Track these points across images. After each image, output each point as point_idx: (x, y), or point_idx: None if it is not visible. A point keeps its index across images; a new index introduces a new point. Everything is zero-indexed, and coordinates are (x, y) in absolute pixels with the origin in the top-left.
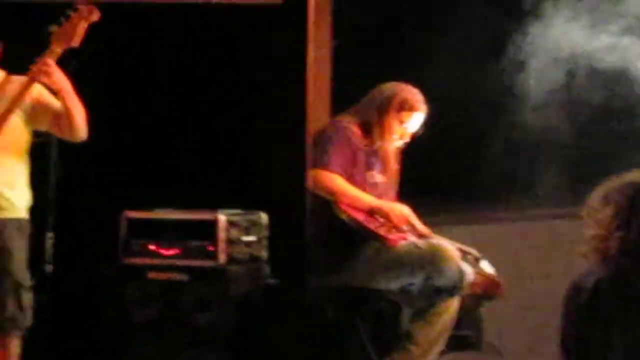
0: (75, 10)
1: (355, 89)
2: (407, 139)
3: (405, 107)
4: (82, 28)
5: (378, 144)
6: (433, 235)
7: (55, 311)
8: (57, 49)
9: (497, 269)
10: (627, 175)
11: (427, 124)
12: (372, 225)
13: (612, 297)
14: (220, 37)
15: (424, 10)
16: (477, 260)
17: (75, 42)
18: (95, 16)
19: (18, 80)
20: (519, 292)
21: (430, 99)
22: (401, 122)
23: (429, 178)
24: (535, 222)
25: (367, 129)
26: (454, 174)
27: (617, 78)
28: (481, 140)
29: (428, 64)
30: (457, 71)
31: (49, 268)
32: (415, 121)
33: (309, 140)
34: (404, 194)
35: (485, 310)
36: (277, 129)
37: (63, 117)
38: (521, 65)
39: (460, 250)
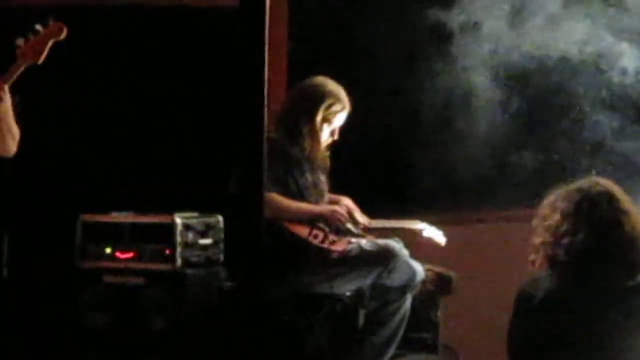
0: (45, 26)
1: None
2: (336, 137)
3: (334, 109)
4: (48, 45)
5: (309, 147)
6: (371, 224)
7: (10, 316)
8: (21, 64)
9: (452, 269)
10: (575, 183)
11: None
12: (316, 239)
13: (563, 305)
14: (175, 40)
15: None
16: (423, 230)
17: (39, 60)
18: (64, 34)
19: None
20: (476, 293)
21: (385, 99)
22: (330, 122)
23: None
24: (488, 224)
25: (293, 133)
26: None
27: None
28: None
29: (383, 64)
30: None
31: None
32: (341, 119)
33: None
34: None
35: (442, 312)
36: (233, 131)
37: None
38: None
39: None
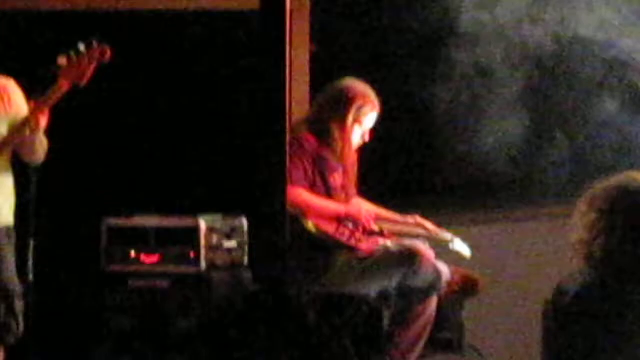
0: (89, 47)
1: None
2: (366, 139)
3: (365, 110)
4: (92, 68)
5: (340, 148)
6: (428, 227)
7: (37, 320)
8: (64, 85)
9: (479, 271)
10: (612, 179)
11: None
12: (342, 236)
13: (596, 303)
14: (199, 43)
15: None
16: (450, 242)
17: (84, 82)
18: (108, 57)
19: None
20: (501, 294)
21: (404, 101)
22: (361, 124)
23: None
24: (519, 223)
25: (323, 135)
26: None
27: None
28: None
29: (402, 67)
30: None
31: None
32: (372, 120)
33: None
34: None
35: (467, 312)
36: (257, 134)
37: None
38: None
39: (432, 234)
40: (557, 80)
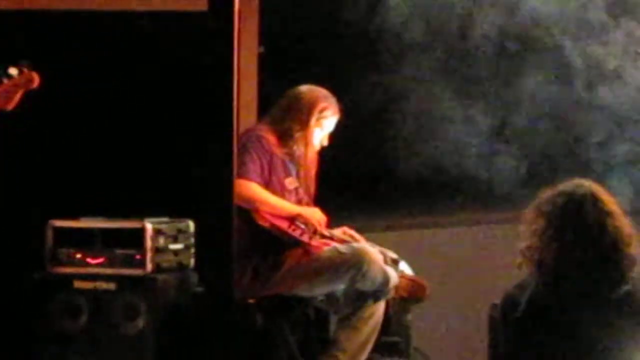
0: (20, 72)
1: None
2: (325, 143)
3: (326, 113)
4: (20, 94)
5: (299, 150)
6: (356, 237)
7: None
8: None
9: (425, 275)
10: (559, 186)
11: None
12: (295, 232)
13: (549, 311)
14: (145, 44)
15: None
16: (395, 262)
17: (10, 107)
18: (36, 84)
19: None
20: (448, 298)
21: (351, 104)
22: (322, 127)
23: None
24: (462, 227)
25: (284, 136)
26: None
27: None
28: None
29: (350, 69)
30: (378, 76)
31: None
32: (332, 124)
33: (236, 147)
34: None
35: (414, 316)
36: (203, 136)
37: None
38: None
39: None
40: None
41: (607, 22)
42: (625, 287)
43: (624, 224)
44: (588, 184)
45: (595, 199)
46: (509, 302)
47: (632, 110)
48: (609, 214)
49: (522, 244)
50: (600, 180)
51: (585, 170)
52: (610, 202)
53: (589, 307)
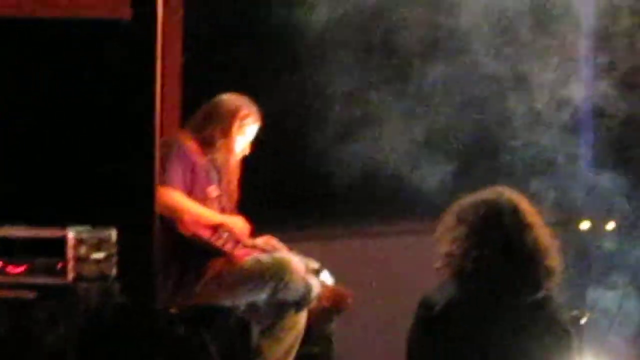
0: None
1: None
2: (248, 151)
3: (248, 121)
4: None
5: (222, 158)
6: (278, 246)
7: None
8: None
9: (350, 284)
10: (480, 194)
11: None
12: (218, 242)
13: (464, 315)
14: (67, 51)
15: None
16: (317, 271)
17: None
18: None
19: None
20: (373, 308)
21: (275, 111)
22: (244, 135)
23: (277, 192)
24: (389, 236)
25: (206, 144)
26: (301, 189)
27: None
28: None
29: (274, 76)
30: (307, 83)
31: None
32: (253, 132)
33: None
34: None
35: (336, 326)
36: (126, 144)
37: None
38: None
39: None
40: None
41: (527, 31)
42: (541, 295)
43: (543, 235)
44: (508, 194)
45: (515, 210)
46: (426, 303)
47: (552, 116)
48: (528, 225)
49: (442, 250)
50: (522, 185)
51: (509, 176)
52: (530, 212)
53: (505, 313)
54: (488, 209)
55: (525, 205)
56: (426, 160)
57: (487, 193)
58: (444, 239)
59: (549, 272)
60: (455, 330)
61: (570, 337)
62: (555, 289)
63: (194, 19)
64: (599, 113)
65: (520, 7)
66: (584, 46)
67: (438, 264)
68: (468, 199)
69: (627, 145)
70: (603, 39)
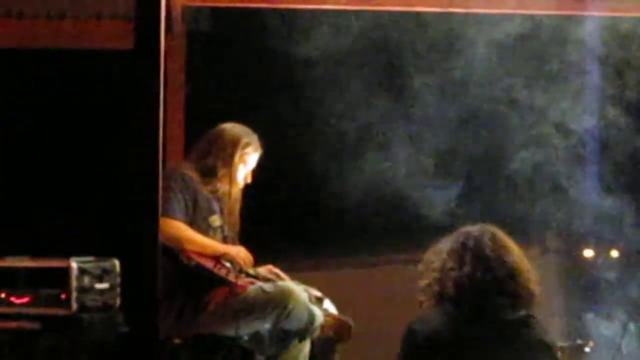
0: None
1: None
2: (249, 180)
3: (249, 150)
4: None
5: (223, 188)
6: (281, 275)
7: None
8: None
9: (352, 314)
10: (458, 230)
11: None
12: (221, 272)
13: (448, 340)
14: (74, 82)
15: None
16: (319, 300)
17: None
18: None
19: None
20: (375, 337)
21: (276, 140)
22: (245, 164)
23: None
24: (391, 265)
25: (208, 174)
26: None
27: None
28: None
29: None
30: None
31: None
32: (255, 161)
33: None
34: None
35: (339, 356)
36: (129, 175)
37: None
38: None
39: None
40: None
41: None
42: (523, 313)
43: (522, 259)
44: (488, 226)
45: (493, 236)
46: (410, 332)
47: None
48: (506, 248)
49: (423, 282)
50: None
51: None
52: (509, 241)
53: (488, 333)
54: (466, 236)
55: (503, 235)
56: (432, 187)
57: (465, 227)
58: (425, 272)
59: (528, 292)
60: (442, 356)
61: (555, 356)
62: (539, 312)
63: (197, 49)
64: (606, 141)
65: (528, 34)
66: (594, 75)
67: (421, 297)
68: (446, 236)
69: (634, 174)
70: (612, 67)
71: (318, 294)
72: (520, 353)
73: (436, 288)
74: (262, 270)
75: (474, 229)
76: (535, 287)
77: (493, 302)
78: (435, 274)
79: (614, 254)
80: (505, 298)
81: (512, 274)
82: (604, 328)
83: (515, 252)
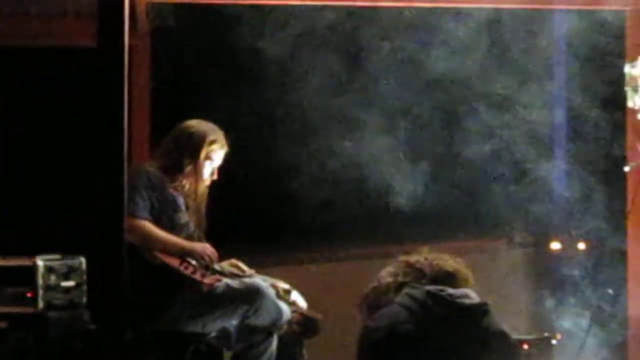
0: None
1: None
2: (215, 177)
3: (215, 146)
4: None
5: (190, 184)
6: (250, 273)
7: None
8: None
9: (321, 309)
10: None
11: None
12: (187, 270)
13: (406, 338)
14: (38, 79)
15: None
16: (287, 292)
17: None
18: None
19: None
20: (342, 332)
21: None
22: (211, 160)
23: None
24: (360, 260)
25: (174, 170)
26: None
27: None
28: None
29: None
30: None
31: None
32: (220, 157)
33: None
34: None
35: (307, 350)
36: (94, 172)
37: None
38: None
39: (271, 285)
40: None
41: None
42: (474, 302)
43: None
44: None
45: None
46: (366, 334)
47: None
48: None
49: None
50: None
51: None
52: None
53: (440, 325)
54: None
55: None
56: (400, 171)
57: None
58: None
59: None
60: (399, 353)
61: (514, 347)
62: (506, 304)
63: (161, 46)
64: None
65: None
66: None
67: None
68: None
69: (598, 164)
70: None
71: (285, 286)
72: (475, 346)
73: (381, 291)
74: (225, 264)
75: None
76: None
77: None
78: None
79: (581, 246)
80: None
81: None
82: (570, 321)
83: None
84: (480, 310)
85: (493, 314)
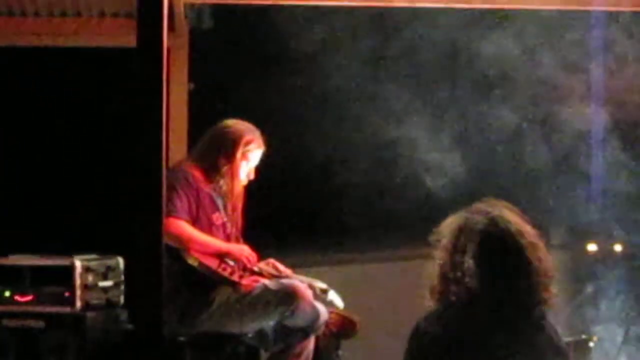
0: None
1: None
2: (252, 177)
3: (252, 146)
4: None
5: (226, 185)
6: (288, 274)
7: None
8: None
9: (358, 310)
10: (473, 218)
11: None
12: (225, 272)
13: (459, 342)
14: (77, 80)
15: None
16: (324, 291)
17: None
18: None
19: None
20: (381, 333)
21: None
22: (248, 160)
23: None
24: (398, 261)
25: (211, 171)
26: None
27: None
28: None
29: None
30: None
31: None
32: (257, 157)
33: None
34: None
35: (344, 352)
36: (133, 172)
37: None
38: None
39: (308, 285)
40: None
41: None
42: (538, 314)
43: (539, 253)
44: (504, 216)
45: (513, 236)
46: (417, 331)
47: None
48: (523, 246)
49: (442, 268)
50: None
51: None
52: (525, 231)
53: (501, 336)
54: (459, 232)
55: (518, 222)
56: (438, 178)
57: (481, 219)
58: (442, 259)
59: (546, 291)
60: (450, 357)
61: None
62: (551, 310)
63: (199, 46)
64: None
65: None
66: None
67: (427, 292)
68: (460, 222)
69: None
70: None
71: (323, 285)
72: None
73: (439, 287)
74: (263, 264)
75: (468, 217)
76: (549, 272)
77: (499, 306)
78: (438, 272)
79: (618, 248)
80: (522, 301)
81: (530, 273)
82: (608, 324)
83: (533, 246)
84: (537, 326)
85: (550, 328)
